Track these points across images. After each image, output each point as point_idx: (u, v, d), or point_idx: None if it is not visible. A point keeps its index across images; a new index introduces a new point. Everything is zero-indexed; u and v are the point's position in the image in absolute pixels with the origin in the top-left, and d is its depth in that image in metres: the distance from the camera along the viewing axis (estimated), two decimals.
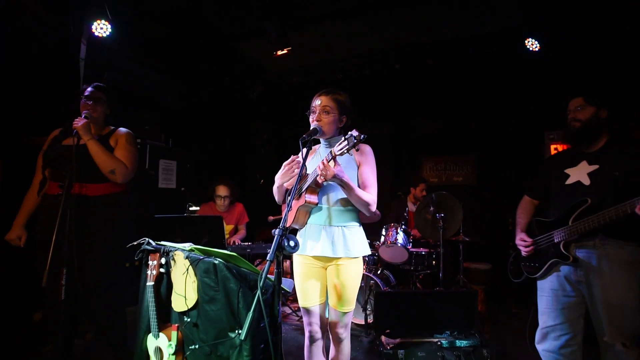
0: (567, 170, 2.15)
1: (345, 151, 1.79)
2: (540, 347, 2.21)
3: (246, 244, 3.60)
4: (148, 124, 4.11)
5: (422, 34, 3.87)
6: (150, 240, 1.71)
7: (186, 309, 1.54)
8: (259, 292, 1.37)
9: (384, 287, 3.52)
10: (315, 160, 2.16)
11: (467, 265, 3.96)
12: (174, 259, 1.58)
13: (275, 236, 1.56)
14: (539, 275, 2.21)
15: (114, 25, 3.39)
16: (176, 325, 1.55)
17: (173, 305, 1.59)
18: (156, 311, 1.64)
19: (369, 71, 4.21)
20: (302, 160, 1.84)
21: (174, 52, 4.15)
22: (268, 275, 1.53)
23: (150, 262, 1.69)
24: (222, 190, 3.85)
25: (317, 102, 2.06)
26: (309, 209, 2.04)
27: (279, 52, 3.47)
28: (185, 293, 1.52)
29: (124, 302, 2.67)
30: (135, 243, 1.74)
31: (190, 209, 3.24)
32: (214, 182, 3.92)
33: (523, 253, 2.29)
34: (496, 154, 4.89)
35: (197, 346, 1.57)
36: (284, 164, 2.03)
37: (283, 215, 2.16)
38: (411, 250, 3.71)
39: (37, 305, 2.93)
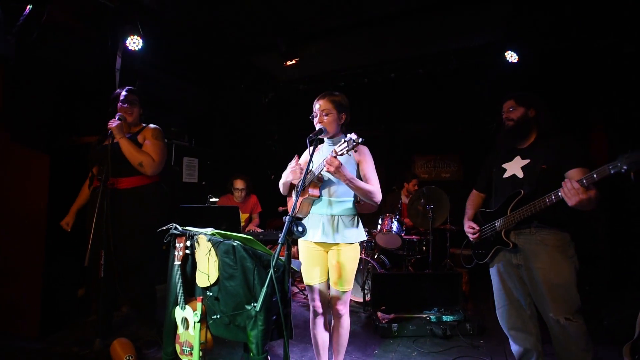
0: (504, 165, 2.11)
1: (345, 152, 1.82)
2: (502, 325, 2.17)
3: (259, 231, 3.64)
4: (174, 126, 4.16)
5: (415, 48, 3.88)
6: (177, 226, 1.75)
7: (209, 284, 1.58)
8: (271, 270, 1.41)
9: (380, 269, 3.56)
10: (318, 158, 2.19)
11: (452, 251, 3.97)
12: (198, 242, 1.63)
13: (286, 222, 1.60)
14: (487, 261, 2.17)
15: (145, 39, 3.44)
16: (200, 297, 1.59)
17: (197, 281, 1.64)
18: (182, 287, 1.69)
19: (367, 79, 4.22)
20: (309, 157, 1.87)
21: (196, 63, 4.20)
22: (279, 257, 1.59)
23: (177, 245, 1.74)
24: (239, 184, 3.90)
25: (317, 106, 2.08)
26: (311, 201, 2.07)
27: (288, 63, 3.50)
28: (207, 271, 1.57)
29: (154, 280, 2.73)
30: (164, 228, 1.78)
31: (211, 200, 3.28)
32: (232, 177, 3.97)
33: (471, 239, 2.24)
34: (479, 152, 4.88)
35: (218, 316, 1.62)
36: (290, 165, 2.06)
37: (291, 206, 2.22)
38: (404, 237, 3.74)
39: (81, 282, 3.00)
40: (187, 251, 1.71)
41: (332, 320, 2.11)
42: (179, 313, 1.70)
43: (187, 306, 1.68)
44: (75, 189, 2.72)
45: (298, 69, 4.07)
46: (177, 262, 1.70)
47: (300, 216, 2.16)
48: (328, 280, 2.11)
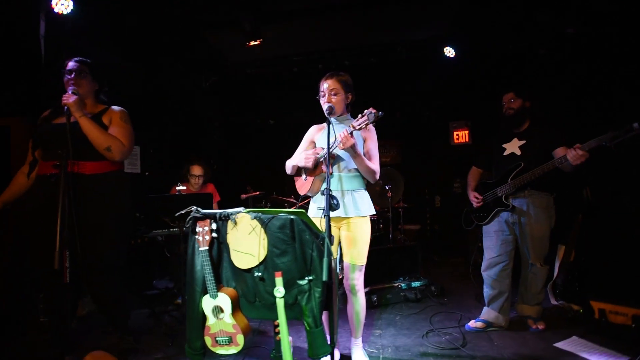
0: (504, 145, 2.65)
1: (364, 126, 1.89)
2: (485, 273, 2.66)
3: None
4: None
5: (369, 37, 4.10)
6: (199, 209, 1.59)
7: (254, 264, 1.50)
8: (327, 240, 1.42)
9: None
10: (324, 136, 2.21)
11: (405, 227, 4.38)
12: (235, 222, 1.51)
13: (325, 196, 1.60)
14: (486, 222, 2.66)
15: (76, 2, 2.89)
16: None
17: (237, 263, 1.53)
18: (213, 273, 1.56)
19: (322, 66, 4.29)
20: (328, 134, 1.88)
21: (135, 35, 3.67)
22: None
23: (199, 229, 1.59)
24: (196, 170, 3.61)
25: (324, 86, 2.11)
26: (323, 178, 2.09)
27: (252, 43, 3.34)
28: (252, 251, 1.48)
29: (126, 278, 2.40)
30: (183, 212, 1.61)
31: (177, 188, 2.98)
32: (188, 163, 3.65)
33: (475, 205, 2.72)
34: (416, 139, 5.45)
35: (258, 301, 1.55)
36: (307, 154, 2.07)
37: (301, 185, 2.20)
38: None
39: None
40: (214, 235, 1.58)
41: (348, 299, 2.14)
42: (209, 302, 1.57)
43: (219, 293, 1.55)
44: None
45: (252, 51, 3.91)
46: (204, 248, 1.56)
47: (310, 195, 2.17)
48: (339, 256, 2.17)
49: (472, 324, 2.63)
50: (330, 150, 1.99)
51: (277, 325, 1.33)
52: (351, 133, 1.91)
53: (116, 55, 3.70)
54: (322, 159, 2.03)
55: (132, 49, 3.72)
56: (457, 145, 5.23)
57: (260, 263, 1.50)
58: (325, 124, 2.29)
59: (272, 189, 4.68)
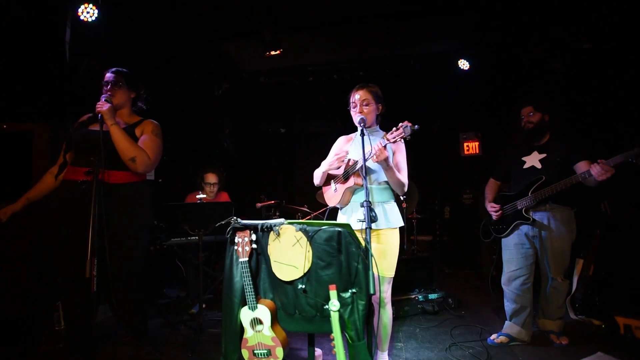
0: (524, 158, 2.67)
1: (399, 139, 1.90)
2: (506, 287, 2.65)
3: None
4: None
5: (384, 49, 4.15)
6: (238, 219, 1.59)
7: (298, 276, 1.49)
8: (370, 251, 1.42)
9: None
10: (354, 147, 2.22)
11: (417, 238, 4.37)
12: (278, 233, 1.51)
13: (365, 208, 1.61)
14: (505, 234, 2.66)
15: (101, 11, 2.91)
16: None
17: (279, 275, 1.52)
18: (252, 285, 1.55)
19: (337, 76, 4.33)
20: (363, 145, 1.89)
21: (153, 45, 3.70)
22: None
23: (238, 239, 1.58)
24: (211, 178, 3.61)
25: (356, 97, 2.13)
26: (353, 190, 2.10)
27: (272, 53, 3.38)
28: (296, 262, 1.47)
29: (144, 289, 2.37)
30: (223, 222, 1.60)
31: (198, 196, 2.97)
32: (202, 171, 3.66)
33: (494, 217, 2.73)
34: (426, 149, 5.48)
35: (297, 313, 1.54)
36: (337, 157, 2.05)
37: (330, 197, 2.20)
38: None
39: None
40: (254, 245, 1.57)
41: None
42: (247, 314, 1.55)
43: (259, 305, 1.54)
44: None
45: (267, 60, 3.94)
46: (244, 259, 1.55)
47: (339, 206, 2.17)
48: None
49: (495, 338, 2.61)
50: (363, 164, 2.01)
51: (332, 340, 1.31)
52: (385, 146, 1.92)
53: (134, 64, 3.73)
54: (353, 171, 2.04)
55: (149, 57, 3.75)
56: (467, 157, 5.26)
57: (304, 275, 1.49)
58: (353, 135, 2.32)
59: (282, 198, 4.67)
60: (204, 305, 3.22)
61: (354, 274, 1.44)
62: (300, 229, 1.47)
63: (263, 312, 1.54)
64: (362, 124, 2.02)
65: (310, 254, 1.46)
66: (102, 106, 2.06)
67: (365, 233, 1.54)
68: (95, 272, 1.92)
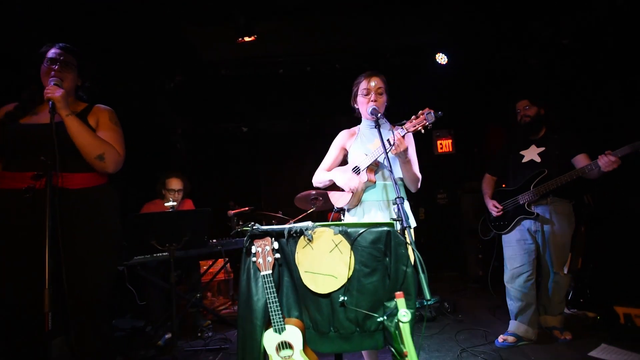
0: (522, 152, 2.68)
1: (420, 128, 1.82)
2: (510, 285, 2.64)
3: (213, 241, 3.10)
4: None
5: (362, 41, 4.09)
6: (257, 225, 1.36)
7: (337, 288, 1.29)
8: (417, 253, 1.29)
9: None
10: (360, 141, 2.10)
11: None
12: (311, 239, 1.31)
13: (400, 206, 1.47)
14: (507, 231, 2.67)
15: None
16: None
17: (313, 287, 1.30)
18: (277, 302, 1.33)
19: (310, 68, 4.17)
20: (382, 138, 1.77)
21: (90, 23, 3.21)
22: None
23: (257, 249, 1.35)
24: (174, 184, 3.20)
25: (372, 84, 1.99)
26: (364, 187, 1.97)
27: (246, 39, 3.12)
28: (334, 271, 1.29)
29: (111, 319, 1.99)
30: (238, 229, 1.36)
31: (167, 204, 2.61)
32: (163, 176, 3.23)
33: (494, 214, 2.70)
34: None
35: (332, 331, 1.36)
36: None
37: (339, 197, 2.04)
38: None
39: None
40: (277, 255, 1.36)
41: None
42: (273, 338, 1.31)
43: (287, 326, 1.32)
44: None
45: (233, 49, 3.69)
46: (267, 271, 1.32)
47: (347, 207, 2.02)
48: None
49: (502, 339, 2.60)
50: (377, 158, 1.89)
51: (406, 356, 1.14)
52: (403, 136, 1.83)
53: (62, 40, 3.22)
54: (364, 168, 1.92)
55: (84, 35, 3.24)
56: (440, 155, 5.40)
57: (343, 285, 1.31)
58: (356, 129, 2.19)
59: (247, 204, 4.39)
60: (168, 335, 2.85)
61: (401, 279, 1.29)
62: (340, 232, 1.27)
63: (293, 333, 1.31)
64: (375, 114, 1.90)
65: (352, 260, 1.29)
66: (54, 91, 1.66)
67: (407, 233, 1.42)
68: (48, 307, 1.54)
